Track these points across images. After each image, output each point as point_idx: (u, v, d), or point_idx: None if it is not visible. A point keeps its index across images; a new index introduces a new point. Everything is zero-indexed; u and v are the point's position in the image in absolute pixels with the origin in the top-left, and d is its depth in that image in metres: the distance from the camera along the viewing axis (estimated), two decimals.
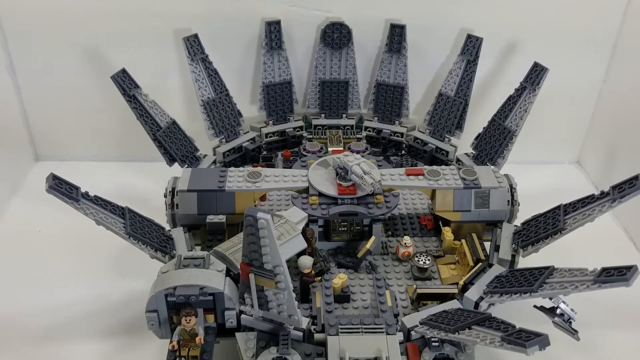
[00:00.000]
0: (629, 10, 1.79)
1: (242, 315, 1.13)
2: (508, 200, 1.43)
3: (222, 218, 1.43)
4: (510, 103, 1.63)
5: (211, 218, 1.43)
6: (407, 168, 1.48)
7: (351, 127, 1.83)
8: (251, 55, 1.84)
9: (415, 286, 1.28)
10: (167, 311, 1.12)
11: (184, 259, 1.16)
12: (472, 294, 1.19)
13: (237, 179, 1.42)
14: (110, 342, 1.34)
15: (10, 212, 1.77)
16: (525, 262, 1.31)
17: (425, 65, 1.87)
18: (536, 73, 1.58)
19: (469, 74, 1.71)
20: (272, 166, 1.71)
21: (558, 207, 1.32)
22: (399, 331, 1.13)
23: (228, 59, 1.80)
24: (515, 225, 1.41)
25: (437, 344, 1.10)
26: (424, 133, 1.80)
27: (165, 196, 1.44)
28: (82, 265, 1.55)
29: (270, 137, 1.80)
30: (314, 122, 1.85)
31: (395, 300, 1.24)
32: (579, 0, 1.78)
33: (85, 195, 1.24)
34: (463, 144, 1.75)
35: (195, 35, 1.67)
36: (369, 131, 1.84)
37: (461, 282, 1.23)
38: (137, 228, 1.28)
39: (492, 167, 1.54)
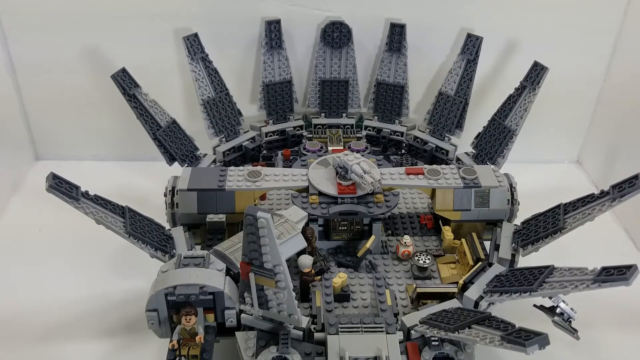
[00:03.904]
0: (629, 10, 1.78)
1: (242, 315, 1.13)
2: (508, 200, 1.43)
3: (222, 217, 1.43)
4: (511, 102, 1.62)
5: (211, 217, 1.43)
6: (407, 167, 1.48)
7: (351, 126, 1.83)
8: (251, 54, 1.84)
9: (415, 285, 1.28)
10: (167, 310, 1.12)
11: (184, 258, 1.17)
12: (472, 293, 1.19)
13: (237, 178, 1.42)
14: (110, 342, 1.34)
15: (10, 211, 1.77)
16: (525, 261, 1.31)
17: (425, 64, 1.86)
18: (536, 72, 1.58)
19: (469, 73, 1.71)
20: (272, 165, 1.71)
21: (558, 207, 1.32)
22: (399, 330, 1.13)
23: (228, 58, 1.80)
24: (515, 225, 1.41)
25: (436, 343, 1.10)
26: (424, 132, 1.80)
27: (165, 195, 1.44)
28: (82, 264, 1.55)
29: (270, 136, 1.80)
30: (314, 121, 1.85)
31: (395, 299, 1.24)
32: (579, 0, 1.78)
33: (85, 195, 1.24)
34: (463, 143, 1.75)
35: (195, 35, 1.67)
36: (369, 130, 1.84)
37: (461, 281, 1.23)
38: (137, 227, 1.28)
39: (492, 166, 1.54)
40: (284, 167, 1.66)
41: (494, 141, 1.65)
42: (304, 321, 1.11)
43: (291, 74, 1.81)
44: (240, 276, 1.06)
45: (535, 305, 1.13)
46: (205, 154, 1.69)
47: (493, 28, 1.77)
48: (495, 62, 1.86)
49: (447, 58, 1.85)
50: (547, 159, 2.06)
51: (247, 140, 1.77)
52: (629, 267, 0.95)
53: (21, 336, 1.35)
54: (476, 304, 1.17)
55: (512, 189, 1.45)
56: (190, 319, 1.07)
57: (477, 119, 1.73)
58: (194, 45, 1.67)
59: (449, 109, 1.74)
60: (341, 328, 1.11)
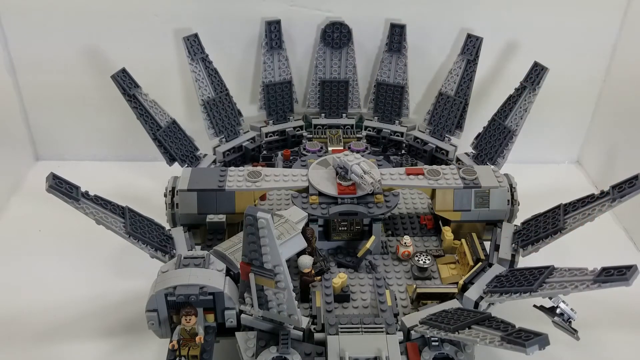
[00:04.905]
0: (629, 10, 1.79)
1: (242, 315, 1.13)
2: (508, 200, 1.43)
3: (222, 217, 1.43)
4: (510, 103, 1.63)
5: (211, 217, 1.43)
6: (407, 167, 1.48)
7: (351, 127, 1.84)
8: (251, 54, 1.84)
9: (415, 286, 1.28)
10: (167, 310, 1.12)
11: (184, 258, 1.17)
12: (472, 293, 1.19)
13: (237, 178, 1.42)
14: (110, 342, 1.34)
15: (10, 212, 1.77)
16: (525, 261, 1.31)
17: (425, 65, 1.87)
18: (536, 73, 1.58)
19: (469, 73, 1.71)
20: (272, 166, 1.71)
21: (558, 207, 1.32)
22: (399, 330, 1.13)
23: (228, 58, 1.81)
24: (515, 225, 1.41)
25: (436, 343, 1.10)
26: (424, 132, 1.80)
27: (165, 196, 1.44)
28: (82, 265, 1.55)
29: (270, 136, 1.80)
30: (314, 121, 1.85)
31: (395, 299, 1.24)
32: (579, 0, 1.78)
33: (85, 195, 1.24)
34: (463, 143, 1.75)
35: (195, 35, 1.67)
36: (369, 131, 1.84)
37: (461, 282, 1.23)
38: (137, 227, 1.28)
39: (492, 166, 1.54)
40: (284, 167, 1.66)
41: (494, 141, 1.65)
42: (304, 321, 1.11)
43: (291, 75, 1.81)
44: (240, 276, 1.06)
45: (535, 306, 1.13)
46: (205, 154, 1.69)
47: (493, 28, 1.77)
48: (495, 62, 1.86)
49: (447, 58, 1.85)
50: (547, 159, 2.06)
51: (247, 140, 1.77)
52: (628, 268, 0.96)
53: (21, 336, 1.35)
54: (476, 305, 1.17)
55: (512, 189, 1.45)
56: (190, 319, 1.07)
57: (477, 119, 1.73)
58: (194, 45, 1.67)
59: (449, 110, 1.74)
60: (341, 328, 1.11)
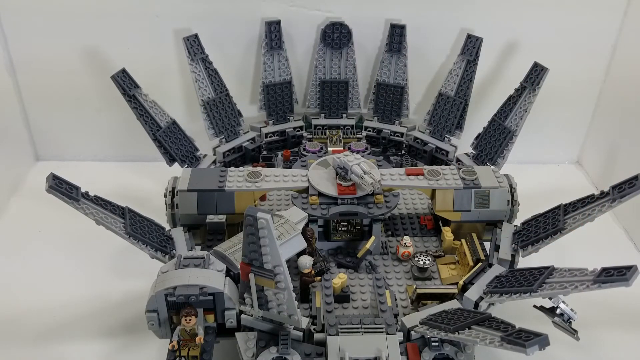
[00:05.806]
0: (629, 10, 1.79)
1: (242, 315, 1.13)
2: (508, 200, 1.43)
3: (222, 218, 1.43)
4: (510, 103, 1.63)
5: (211, 218, 1.43)
6: (407, 168, 1.48)
7: (351, 127, 1.83)
8: (251, 55, 1.84)
9: (415, 286, 1.28)
10: (167, 311, 1.12)
11: (184, 258, 1.17)
12: (472, 293, 1.19)
13: (237, 178, 1.43)
14: (110, 342, 1.34)
15: (10, 212, 1.77)
16: (525, 262, 1.31)
17: (425, 65, 1.87)
18: (536, 73, 1.58)
19: (469, 73, 1.71)
20: (272, 166, 1.71)
21: (558, 207, 1.32)
22: (399, 331, 1.13)
23: (228, 59, 1.81)
24: (515, 225, 1.41)
25: (437, 343, 1.10)
26: (424, 133, 1.80)
27: (165, 196, 1.44)
28: (82, 265, 1.55)
29: (270, 137, 1.80)
30: (314, 122, 1.85)
31: (395, 300, 1.24)
32: (579, 0, 1.78)
33: (85, 195, 1.24)
34: (463, 143, 1.75)
35: (195, 35, 1.67)
36: (369, 131, 1.84)
37: (461, 282, 1.23)
38: (137, 228, 1.28)
39: (492, 167, 1.54)
40: (284, 167, 1.66)
41: (494, 142, 1.65)
42: (304, 322, 1.11)
43: (291, 75, 1.81)
44: (240, 277, 1.06)
45: (535, 306, 1.14)
46: (205, 155, 1.69)
47: (493, 28, 1.77)
48: (495, 62, 1.86)
49: (447, 59, 1.85)
50: (547, 159, 2.07)
51: (247, 141, 1.76)
52: (628, 268, 0.96)
53: (21, 336, 1.35)
54: (476, 305, 1.17)
55: (512, 189, 1.45)
56: (190, 320, 1.07)
57: (477, 119, 1.73)
58: (194, 46, 1.67)
59: (449, 110, 1.74)
60: (341, 329, 1.11)
